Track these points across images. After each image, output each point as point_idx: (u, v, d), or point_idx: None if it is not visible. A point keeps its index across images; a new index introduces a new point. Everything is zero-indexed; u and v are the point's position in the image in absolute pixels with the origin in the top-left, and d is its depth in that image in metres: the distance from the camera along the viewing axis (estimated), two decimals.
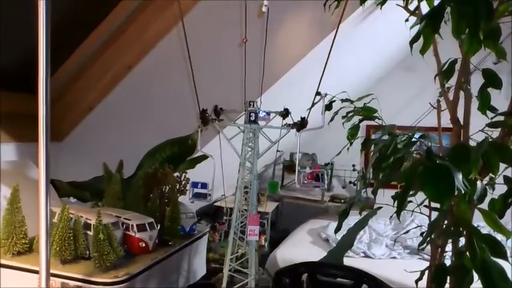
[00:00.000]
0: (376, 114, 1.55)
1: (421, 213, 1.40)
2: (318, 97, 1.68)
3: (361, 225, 1.99)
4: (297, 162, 1.76)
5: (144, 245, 1.74)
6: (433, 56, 1.37)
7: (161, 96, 2.65)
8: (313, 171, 1.78)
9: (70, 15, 2.20)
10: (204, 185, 1.71)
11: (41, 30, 1.00)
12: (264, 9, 1.71)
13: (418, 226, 1.95)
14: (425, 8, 1.27)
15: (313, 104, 1.67)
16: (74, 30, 2.40)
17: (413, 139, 1.26)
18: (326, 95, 1.67)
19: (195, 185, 1.72)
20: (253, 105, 1.81)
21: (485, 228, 1.04)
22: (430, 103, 1.53)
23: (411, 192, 1.05)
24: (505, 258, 0.96)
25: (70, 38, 2.45)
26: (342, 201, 4.17)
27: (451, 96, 1.34)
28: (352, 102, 1.60)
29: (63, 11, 2.13)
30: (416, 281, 1.34)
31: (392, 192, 1.09)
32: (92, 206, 2.21)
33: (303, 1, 2.26)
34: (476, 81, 1.22)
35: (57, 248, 1.59)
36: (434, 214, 1.29)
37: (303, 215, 4.18)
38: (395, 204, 1.03)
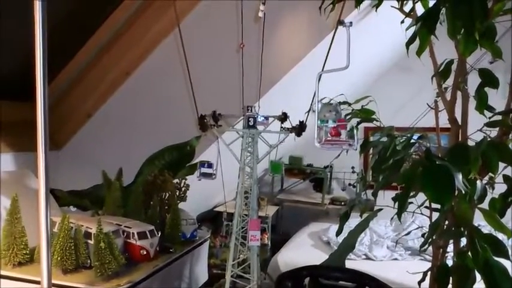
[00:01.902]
0: (374, 116, 1.55)
1: (421, 214, 1.39)
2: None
3: (362, 227, 1.98)
4: (316, 113, 1.48)
5: (145, 252, 1.73)
6: (429, 57, 1.38)
7: (159, 103, 2.65)
8: (338, 124, 1.51)
9: (67, 22, 2.20)
10: (210, 165, 1.82)
11: (37, 38, 0.99)
12: (260, 14, 1.71)
13: (419, 227, 1.95)
14: (420, 10, 1.27)
15: (311, 106, 1.67)
16: (70, 38, 2.40)
17: (412, 140, 1.26)
18: (351, 23, 1.42)
19: (202, 165, 1.84)
20: (252, 110, 1.81)
21: (486, 228, 1.04)
22: (427, 104, 1.54)
23: (411, 194, 1.05)
24: (507, 257, 0.96)
25: (66, 47, 2.45)
26: (342, 203, 4.17)
27: (448, 96, 1.34)
28: (350, 104, 1.60)
29: (60, 18, 2.13)
30: (419, 282, 1.34)
31: (393, 193, 1.09)
32: (92, 214, 2.20)
33: (299, 3, 2.27)
34: (473, 81, 1.23)
35: (58, 258, 1.58)
36: (435, 215, 1.29)
37: (304, 218, 4.18)
38: (396, 206, 1.03)
